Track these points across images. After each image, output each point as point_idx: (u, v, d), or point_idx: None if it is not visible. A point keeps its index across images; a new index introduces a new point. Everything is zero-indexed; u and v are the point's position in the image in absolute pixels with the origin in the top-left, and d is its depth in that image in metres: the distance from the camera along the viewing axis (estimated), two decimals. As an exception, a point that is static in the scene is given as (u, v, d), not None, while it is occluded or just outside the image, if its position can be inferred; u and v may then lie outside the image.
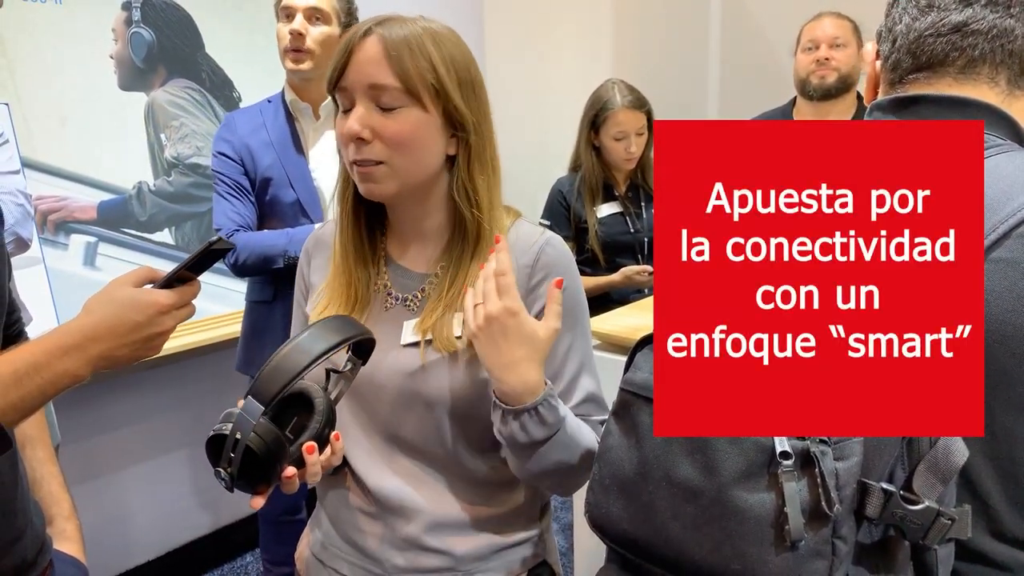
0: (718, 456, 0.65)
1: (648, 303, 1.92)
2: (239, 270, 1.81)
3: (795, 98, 2.40)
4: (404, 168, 0.90)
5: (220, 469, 0.79)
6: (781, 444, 0.62)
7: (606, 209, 2.42)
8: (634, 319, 1.81)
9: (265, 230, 1.85)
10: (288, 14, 1.76)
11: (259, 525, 2.19)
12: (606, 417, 1.00)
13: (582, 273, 2.27)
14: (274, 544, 2.17)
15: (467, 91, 0.92)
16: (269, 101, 1.90)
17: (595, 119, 2.35)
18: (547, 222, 2.46)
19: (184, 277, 0.86)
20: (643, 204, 2.45)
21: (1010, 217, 0.68)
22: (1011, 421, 0.68)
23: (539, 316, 0.94)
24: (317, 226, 1.88)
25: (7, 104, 1.92)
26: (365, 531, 1.00)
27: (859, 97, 2.36)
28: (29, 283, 1.91)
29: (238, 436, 0.78)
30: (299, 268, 1.09)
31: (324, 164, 1.89)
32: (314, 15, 1.76)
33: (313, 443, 0.84)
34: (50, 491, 1.04)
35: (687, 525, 0.67)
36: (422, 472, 0.98)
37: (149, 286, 0.85)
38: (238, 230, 1.81)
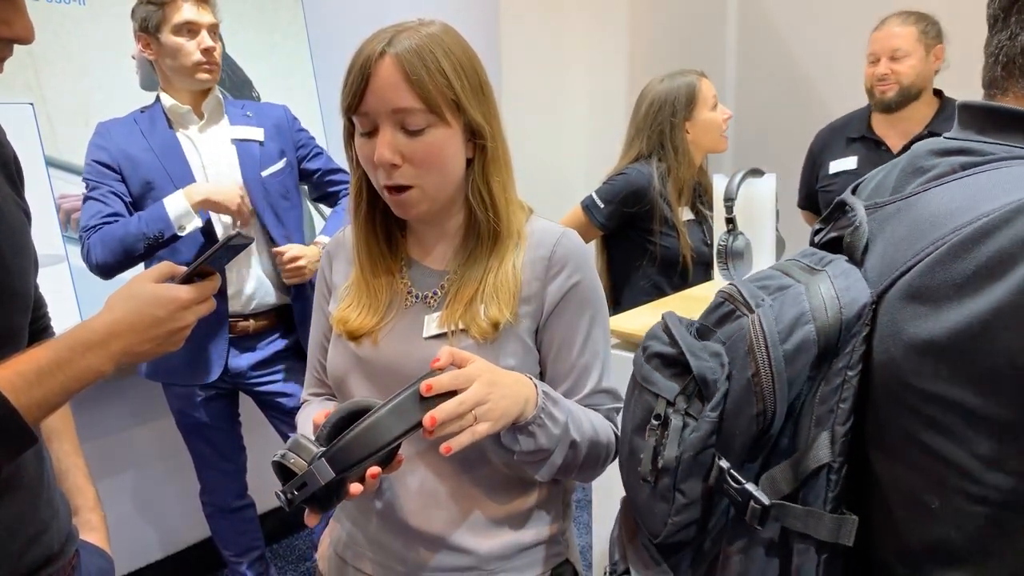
0: (627, 413, 0.77)
1: (664, 303, 1.91)
2: (101, 269, 1.79)
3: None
4: (434, 187, 0.93)
5: (283, 494, 0.80)
6: (659, 409, 0.70)
7: (684, 214, 2.15)
8: (650, 318, 1.81)
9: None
10: (193, 30, 1.83)
11: (210, 526, 2.16)
12: (620, 406, 1.01)
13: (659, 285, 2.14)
14: (232, 536, 2.16)
15: (479, 96, 0.93)
16: (142, 111, 1.92)
17: (688, 102, 2.09)
18: (601, 204, 2.12)
19: (204, 272, 0.87)
20: (706, 213, 2.18)
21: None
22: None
23: (552, 311, 0.96)
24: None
25: (31, 104, 1.95)
26: (388, 530, 1.01)
27: (941, 95, 2.27)
28: (53, 280, 1.94)
29: (306, 483, 0.79)
30: (320, 270, 1.11)
31: (218, 160, 1.92)
32: (214, 30, 1.87)
33: (377, 468, 0.83)
34: (75, 482, 1.05)
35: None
36: (446, 470, 0.99)
37: (170, 282, 0.86)
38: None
